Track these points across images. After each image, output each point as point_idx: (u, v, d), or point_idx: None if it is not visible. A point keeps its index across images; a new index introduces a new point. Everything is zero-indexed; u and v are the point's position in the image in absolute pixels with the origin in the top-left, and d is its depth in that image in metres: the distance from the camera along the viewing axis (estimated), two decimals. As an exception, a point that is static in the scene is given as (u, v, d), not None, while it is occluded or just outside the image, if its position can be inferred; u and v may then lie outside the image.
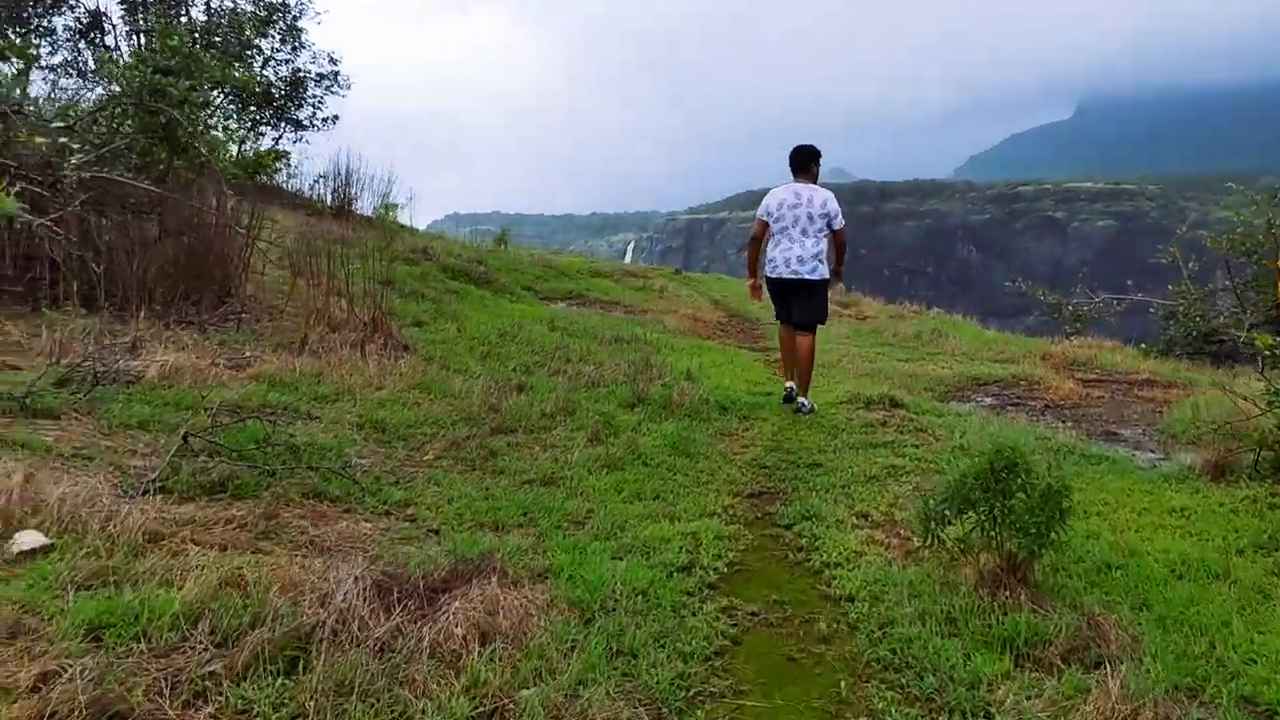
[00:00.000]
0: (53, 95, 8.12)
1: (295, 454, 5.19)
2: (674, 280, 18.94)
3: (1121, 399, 10.05)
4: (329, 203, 17.23)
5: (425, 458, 5.87)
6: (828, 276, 8.22)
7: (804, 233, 8.09)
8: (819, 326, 8.46)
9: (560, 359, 9.42)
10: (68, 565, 3.38)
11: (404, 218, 18.49)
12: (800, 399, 8.13)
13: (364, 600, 3.20)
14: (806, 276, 8.08)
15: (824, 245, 8.15)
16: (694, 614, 3.75)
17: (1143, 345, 13.91)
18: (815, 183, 8.31)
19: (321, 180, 18.36)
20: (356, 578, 3.26)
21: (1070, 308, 15.60)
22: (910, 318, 17.54)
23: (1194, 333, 13.35)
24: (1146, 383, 11.04)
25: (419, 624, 3.19)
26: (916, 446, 6.78)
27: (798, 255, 8.07)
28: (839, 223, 8.18)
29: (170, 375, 6.27)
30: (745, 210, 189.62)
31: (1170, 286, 14.97)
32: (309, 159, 34.46)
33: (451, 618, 3.21)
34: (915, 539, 4.58)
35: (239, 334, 7.92)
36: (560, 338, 10.52)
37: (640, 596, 3.78)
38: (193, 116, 7.71)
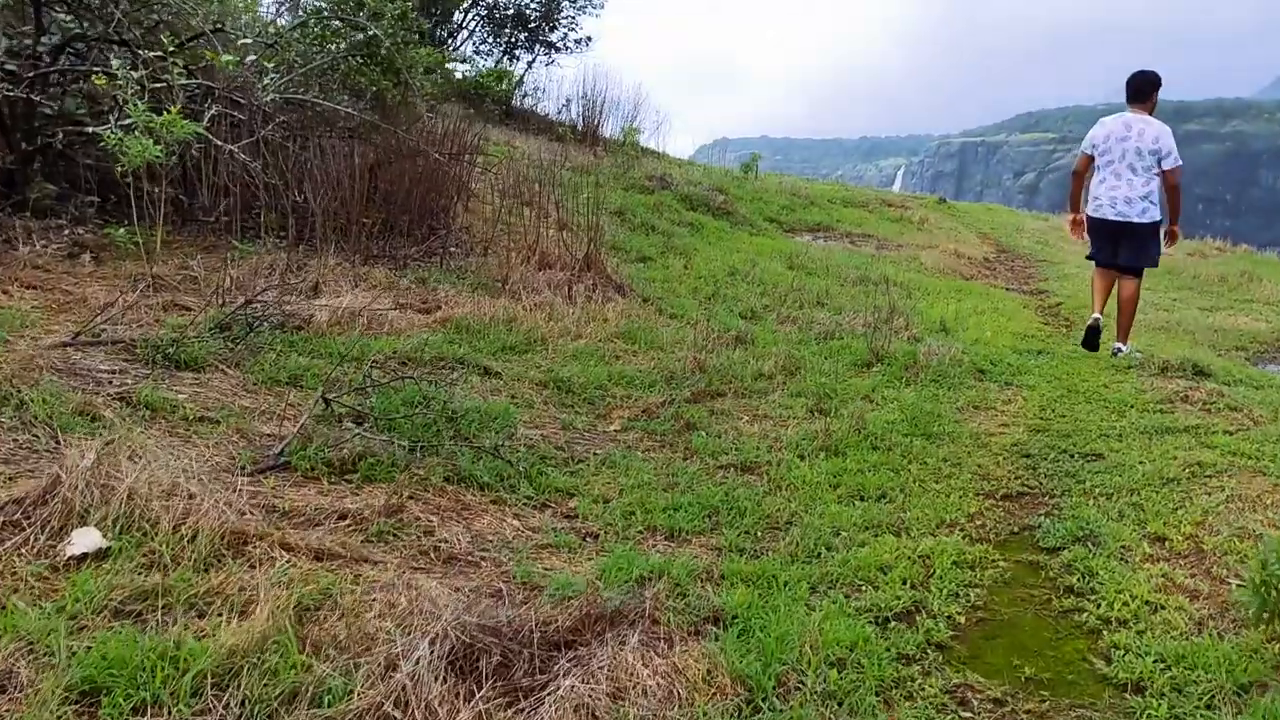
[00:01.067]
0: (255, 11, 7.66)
1: (452, 423, 4.45)
2: (936, 210, 17.21)
3: None
4: (578, 128, 16.68)
5: (610, 428, 5.01)
6: (1159, 219, 7.32)
7: (1132, 169, 7.20)
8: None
9: (793, 303, 8.36)
10: (111, 579, 2.71)
11: (654, 143, 17.72)
12: (1118, 344, 7.41)
13: (441, 671, 2.35)
14: (1135, 219, 7.23)
15: (1155, 185, 7.22)
16: (909, 696, 2.71)
17: None
18: (1152, 114, 7.37)
19: (568, 104, 17.87)
20: (434, 638, 2.40)
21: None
22: (1213, 256, 15.21)
23: None
24: None
25: (510, 711, 2.32)
26: (1230, 433, 5.29)
27: (1124, 195, 7.22)
28: (1170, 161, 7.18)
29: (344, 319, 5.68)
30: (1023, 133, 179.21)
31: None
32: (557, 83, 34.24)
33: (557, 706, 2.32)
34: (1234, 585, 3.34)
35: (440, 271, 7.31)
36: (797, 277, 9.42)
37: (837, 669, 2.76)
38: (391, 31, 7.05)
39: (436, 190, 7.88)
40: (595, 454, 4.57)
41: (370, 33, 7.10)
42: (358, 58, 7.26)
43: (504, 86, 16.71)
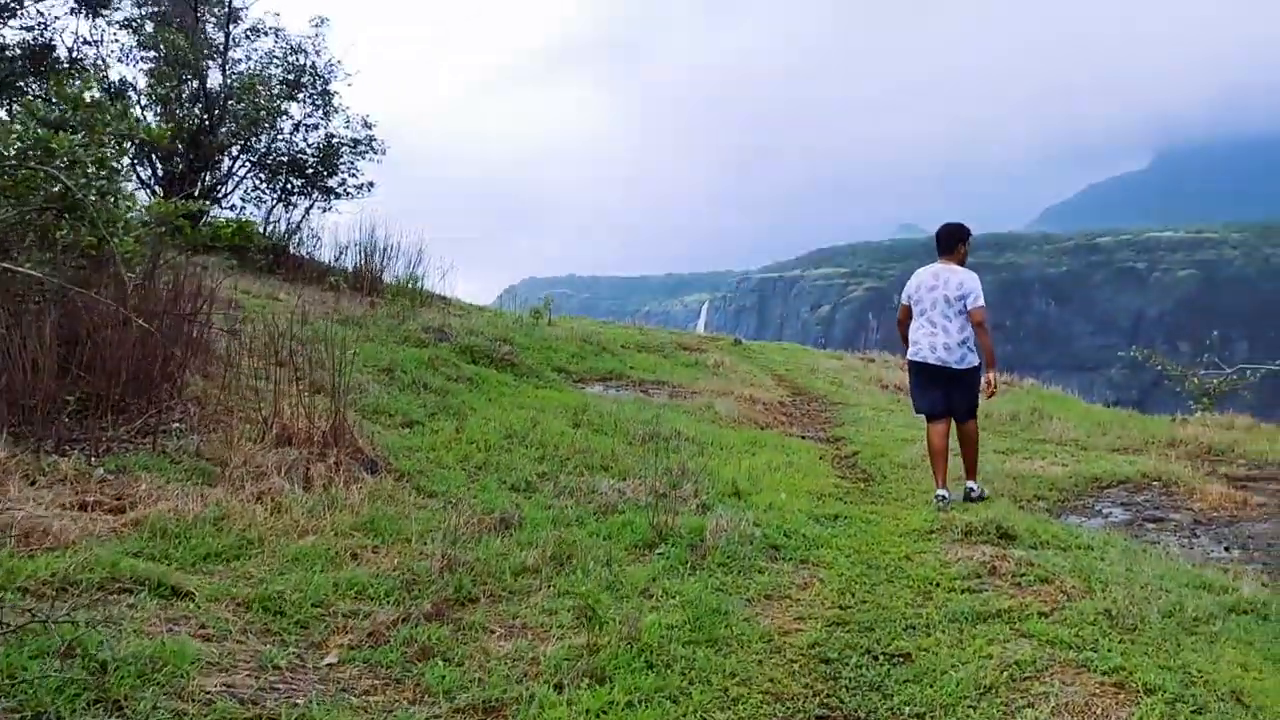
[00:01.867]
0: None
1: (101, 677, 3.38)
2: (732, 353, 16.97)
3: (1291, 507, 7.88)
4: (353, 276, 15.71)
5: (323, 662, 4.01)
6: (977, 364, 7.56)
7: (945, 316, 7.49)
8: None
9: (574, 469, 7.58)
10: None
11: (444, 289, 16.87)
12: (969, 483, 7.71)
13: None
14: (954, 366, 7.50)
15: (970, 331, 7.49)
16: None
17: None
18: (962, 264, 7.71)
19: (344, 252, 16.96)
20: None
21: (1196, 379, 13.38)
22: (1003, 391, 15.38)
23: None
24: (1315, 482, 8.84)
25: None
26: (1045, 615, 4.72)
27: (943, 343, 7.49)
28: (972, 301, 7.44)
29: (-9, 533, 4.52)
30: (817, 268, 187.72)
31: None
32: (332, 229, 33.31)
33: None
34: None
35: (150, 456, 6.18)
36: (582, 436, 8.66)
37: None
38: (86, 182, 6.04)
39: (151, 357, 6.77)
40: (293, 706, 3.56)
41: (64, 184, 6.07)
42: (49, 210, 6.19)
43: (253, 237, 15.63)
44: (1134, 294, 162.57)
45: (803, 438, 10.69)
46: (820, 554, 5.88)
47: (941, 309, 7.47)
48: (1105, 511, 7.81)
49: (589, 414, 9.66)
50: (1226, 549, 6.60)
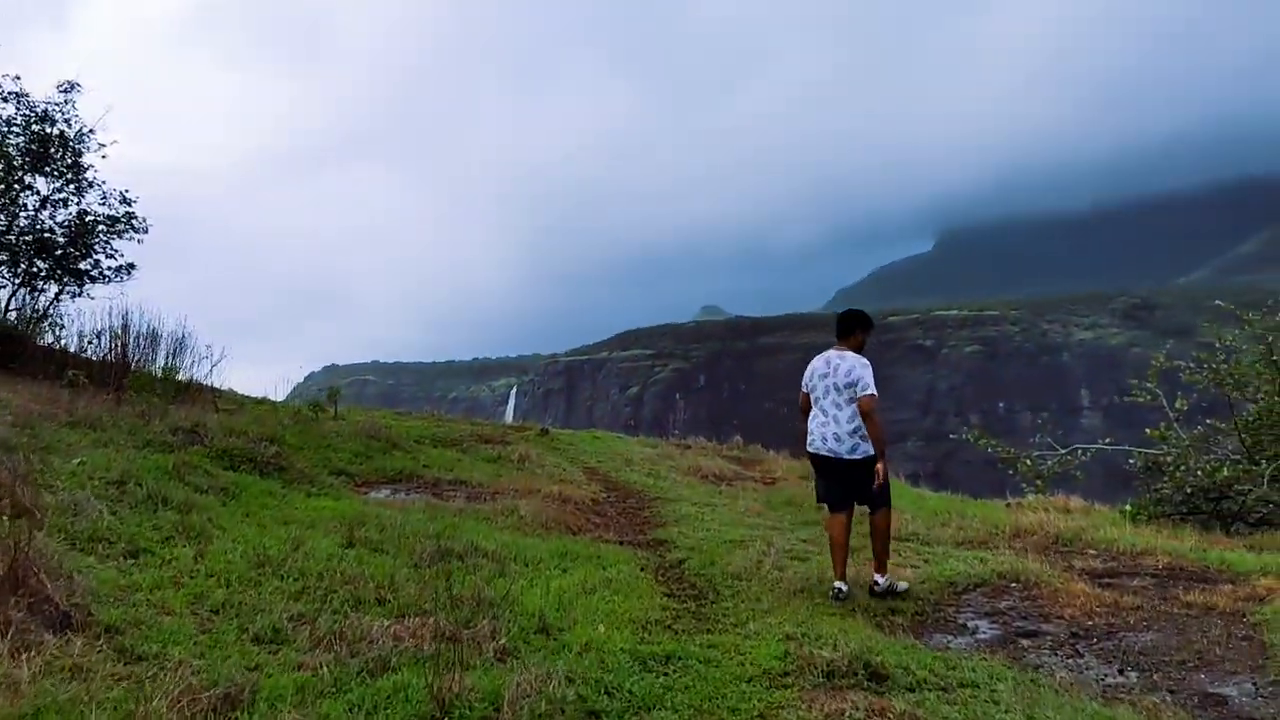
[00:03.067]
0: None
1: None
2: (539, 444, 15.57)
3: (1166, 608, 7.09)
4: (101, 367, 13.61)
5: None
6: (871, 454, 7.28)
7: (836, 405, 7.33)
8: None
9: (341, 605, 6.06)
10: None
11: (214, 379, 14.90)
12: (876, 577, 7.45)
13: None
14: (845, 456, 7.30)
15: (859, 420, 7.24)
16: None
17: (1128, 507, 11.15)
18: (859, 350, 7.57)
19: (94, 340, 14.87)
20: None
21: (1028, 461, 12.85)
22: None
23: (1191, 489, 10.66)
24: (1174, 572, 8.16)
25: None
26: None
27: (834, 432, 7.33)
28: (862, 389, 7.23)
29: None
30: (625, 350, 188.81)
31: (1149, 431, 12.38)
32: (74, 316, 30.45)
33: None
34: None
35: None
36: (355, 559, 7.11)
37: None
38: None
39: None
40: None
41: None
42: None
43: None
44: (925, 370, 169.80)
45: (620, 543, 9.40)
46: (651, 714, 4.57)
47: (832, 397, 7.32)
48: (971, 625, 6.81)
49: (367, 528, 8.10)
50: (1120, 671, 5.66)
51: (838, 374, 7.34)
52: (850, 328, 7.61)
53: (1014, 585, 7.76)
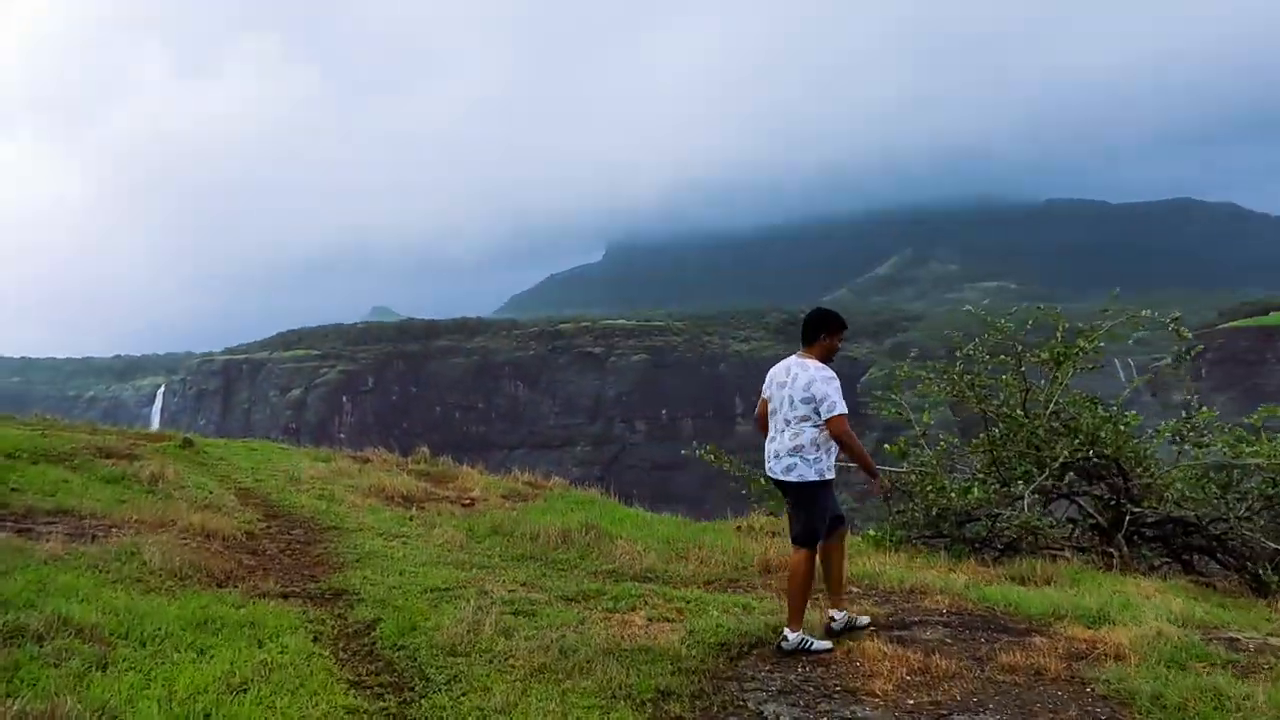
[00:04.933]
0: None
1: None
2: (181, 458, 12.60)
3: (987, 674, 5.76)
4: None
5: None
6: (811, 478, 6.22)
7: (786, 420, 6.31)
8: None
9: None
10: None
11: None
12: (830, 612, 6.51)
13: None
14: (780, 477, 6.33)
15: (807, 437, 6.20)
16: None
17: (873, 531, 10.03)
18: (826, 359, 6.42)
19: None
20: None
21: (763, 480, 11.53)
22: (535, 497, 12.62)
23: (938, 511, 9.67)
24: (965, 619, 6.95)
25: None
26: None
27: (776, 450, 6.37)
28: (826, 410, 6.14)
29: None
30: (288, 350, 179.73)
31: (888, 447, 11.39)
32: None
33: None
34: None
35: None
36: None
37: None
38: None
39: None
40: None
41: None
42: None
43: None
44: (594, 376, 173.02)
45: (285, 596, 7.04)
46: None
47: (785, 411, 6.30)
48: (767, 712, 5.14)
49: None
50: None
51: (795, 385, 6.28)
52: (814, 332, 6.43)
53: (800, 655, 6.20)
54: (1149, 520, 9.58)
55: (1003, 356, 10.41)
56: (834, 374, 6.25)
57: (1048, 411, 9.88)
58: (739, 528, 10.68)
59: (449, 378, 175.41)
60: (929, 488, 9.69)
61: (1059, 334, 10.13)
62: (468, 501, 11.99)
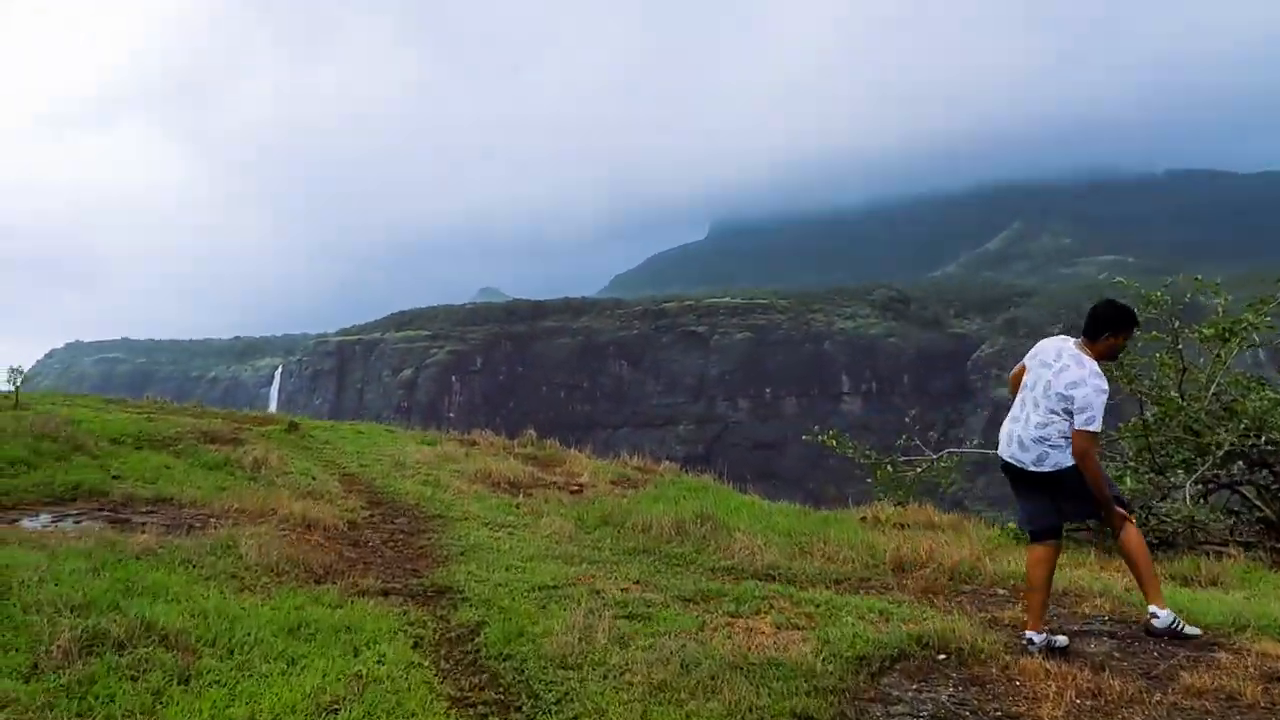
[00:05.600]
0: None
1: None
2: (286, 442, 12.40)
3: (1171, 698, 4.99)
4: None
5: None
6: (1065, 465, 5.60)
7: (1034, 404, 5.75)
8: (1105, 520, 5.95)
9: None
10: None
11: None
12: (1152, 608, 5.83)
13: None
14: (1030, 468, 5.71)
15: (1056, 429, 5.60)
16: None
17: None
18: (1108, 358, 5.88)
19: None
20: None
21: (890, 468, 10.79)
22: (644, 483, 12.07)
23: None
24: (1131, 630, 6.17)
25: None
26: None
27: (1019, 435, 5.79)
28: (1081, 419, 5.50)
29: None
30: (399, 330, 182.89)
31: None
32: None
33: None
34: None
35: None
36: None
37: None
38: None
39: None
40: None
41: None
42: None
43: None
44: (698, 355, 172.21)
45: (385, 594, 6.61)
46: None
47: (1037, 395, 5.77)
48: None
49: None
50: None
51: (1060, 377, 5.66)
52: (1100, 327, 5.81)
53: (943, 659, 5.52)
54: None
55: (1154, 333, 9.47)
56: (1106, 385, 5.60)
57: (1209, 394, 8.91)
58: (864, 519, 9.96)
59: (555, 358, 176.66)
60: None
61: (1220, 309, 9.13)
62: (576, 488, 11.51)
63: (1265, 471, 8.68)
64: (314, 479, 10.59)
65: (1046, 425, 5.64)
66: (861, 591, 7.06)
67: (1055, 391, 5.66)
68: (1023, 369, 6.03)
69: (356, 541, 8.26)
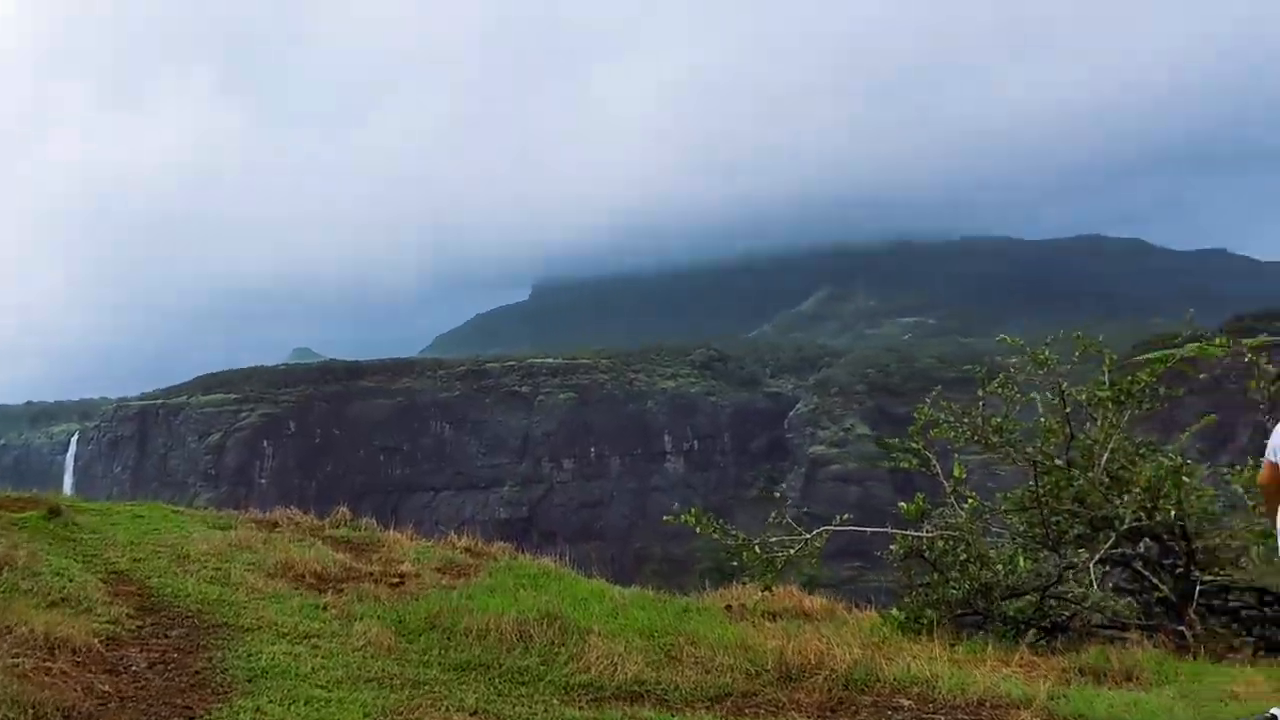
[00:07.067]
0: None
1: None
2: (41, 531, 10.34)
3: None
4: None
5: None
6: None
7: None
8: None
9: None
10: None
11: None
12: None
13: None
14: None
15: None
16: None
17: (897, 610, 8.25)
18: None
19: None
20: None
21: (757, 549, 9.68)
22: (476, 570, 10.55)
23: (978, 586, 7.92)
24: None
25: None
26: None
27: None
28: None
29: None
30: (206, 394, 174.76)
31: (904, 506, 9.63)
32: None
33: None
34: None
35: None
36: None
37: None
38: None
39: None
40: None
41: None
42: None
43: None
44: (521, 415, 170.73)
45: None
46: None
47: None
48: None
49: None
50: None
51: None
52: None
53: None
54: (1219, 590, 7.99)
55: (1031, 395, 8.79)
56: None
57: (1101, 462, 8.21)
58: (729, 607, 8.84)
59: (373, 419, 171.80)
60: (964, 557, 7.95)
61: (1106, 370, 8.50)
62: (396, 579, 9.93)
63: (1157, 546, 8.03)
64: (71, 580, 8.66)
65: None
66: (748, 713, 5.89)
67: None
68: (1271, 466, 5.52)
69: (115, 667, 6.56)
